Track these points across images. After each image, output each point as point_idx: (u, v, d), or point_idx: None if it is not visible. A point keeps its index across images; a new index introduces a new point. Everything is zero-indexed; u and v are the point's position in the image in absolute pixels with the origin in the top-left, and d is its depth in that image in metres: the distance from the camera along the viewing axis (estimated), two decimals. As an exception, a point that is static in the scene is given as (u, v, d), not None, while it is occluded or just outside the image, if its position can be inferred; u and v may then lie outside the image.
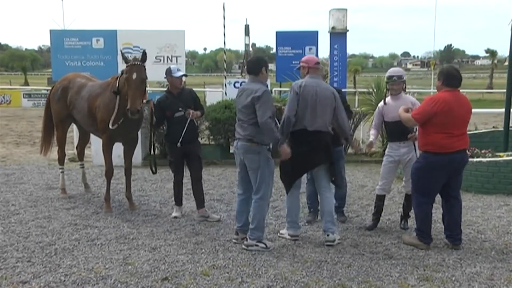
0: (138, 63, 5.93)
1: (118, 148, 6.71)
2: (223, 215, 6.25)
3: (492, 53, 56.84)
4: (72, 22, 55.72)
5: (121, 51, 6.58)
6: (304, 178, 5.87)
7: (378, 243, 5.24)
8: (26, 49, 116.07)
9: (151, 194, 7.38)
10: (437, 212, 5.53)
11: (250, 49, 31.45)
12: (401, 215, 5.83)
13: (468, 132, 9.18)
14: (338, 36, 15.58)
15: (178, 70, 6.09)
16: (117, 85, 6.12)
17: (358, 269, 4.53)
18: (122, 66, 6.80)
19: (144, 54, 6.00)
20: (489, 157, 7.53)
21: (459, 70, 5.18)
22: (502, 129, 8.64)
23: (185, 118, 5.90)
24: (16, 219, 6.04)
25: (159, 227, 5.77)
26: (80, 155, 7.80)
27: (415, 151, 5.40)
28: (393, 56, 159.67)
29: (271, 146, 5.09)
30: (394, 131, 5.44)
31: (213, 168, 9.32)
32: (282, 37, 15.24)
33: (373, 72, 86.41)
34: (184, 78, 6.25)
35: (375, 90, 10.31)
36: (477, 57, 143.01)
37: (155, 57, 12.34)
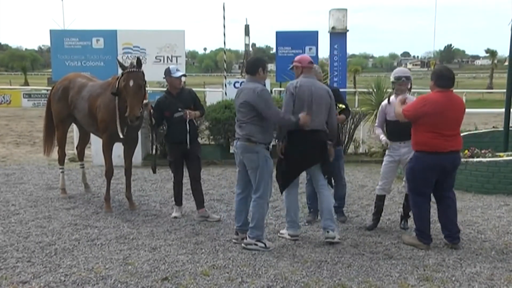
0: (135, 69, 5.93)
1: (118, 148, 6.71)
2: (223, 215, 6.25)
3: (492, 53, 56.82)
4: (72, 22, 55.88)
5: (117, 60, 6.59)
6: (304, 178, 5.88)
7: (378, 243, 5.24)
8: (26, 49, 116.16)
9: (151, 194, 7.38)
10: (436, 212, 5.52)
11: (250, 49, 31.47)
12: (401, 215, 5.83)
13: (468, 132, 9.35)
14: (338, 36, 15.59)
15: (177, 70, 6.08)
16: (116, 86, 6.13)
17: (358, 269, 4.53)
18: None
19: (138, 60, 6.01)
20: (489, 157, 7.53)
21: (452, 70, 5.18)
22: (502, 129, 8.64)
23: (185, 119, 5.91)
24: (16, 219, 6.04)
25: (159, 227, 5.77)
26: (80, 155, 7.80)
27: None
28: (393, 56, 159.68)
29: (270, 146, 5.11)
30: (395, 130, 5.44)
31: (213, 168, 9.32)
32: (282, 37, 15.25)
33: (373, 72, 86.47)
34: (183, 78, 6.25)
35: (375, 90, 10.31)
36: (477, 57, 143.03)
37: (155, 57, 12.36)
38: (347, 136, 9.97)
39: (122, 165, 6.81)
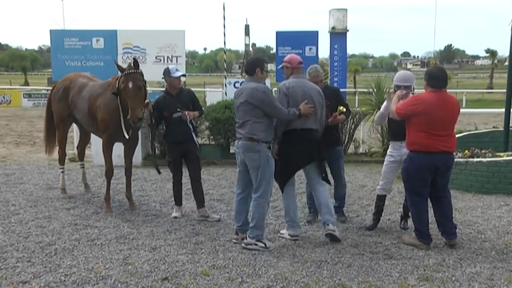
0: (133, 71, 5.93)
1: (118, 148, 6.71)
2: (223, 215, 6.25)
3: (492, 53, 56.84)
4: (72, 22, 55.91)
5: (115, 61, 6.59)
6: (304, 178, 5.88)
7: (378, 243, 5.24)
8: (26, 49, 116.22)
9: (151, 194, 7.38)
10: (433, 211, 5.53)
11: (250, 49, 31.47)
12: (401, 215, 5.83)
13: (468, 132, 9.35)
14: (338, 36, 15.59)
15: (177, 70, 6.09)
16: (116, 85, 6.13)
17: (358, 269, 4.53)
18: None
19: (135, 61, 6.00)
20: (489, 157, 7.53)
21: (445, 71, 5.19)
22: (502, 129, 8.63)
23: (184, 119, 5.91)
24: (16, 219, 6.04)
25: (159, 227, 5.77)
26: (81, 155, 7.80)
27: None
28: (393, 56, 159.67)
29: (271, 145, 5.12)
30: (396, 130, 5.43)
31: (213, 168, 9.32)
32: (282, 37, 15.24)
33: (373, 72, 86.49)
34: (183, 78, 6.24)
35: (375, 90, 10.31)
36: (477, 57, 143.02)
37: (155, 57, 12.35)
38: (347, 136, 9.97)
39: (122, 165, 6.82)
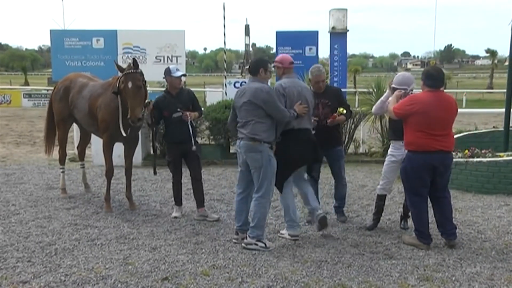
0: (133, 71, 5.93)
1: (118, 148, 6.71)
2: (223, 215, 6.25)
3: (492, 53, 56.85)
4: (72, 22, 55.87)
5: (115, 62, 6.60)
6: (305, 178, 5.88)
7: (378, 243, 5.24)
8: (26, 49, 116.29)
9: (151, 194, 7.39)
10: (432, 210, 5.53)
11: (250, 49, 31.46)
12: (401, 215, 5.83)
13: (468, 132, 9.34)
14: (338, 36, 15.59)
15: (177, 70, 6.09)
16: (117, 85, 6.13)
17: (358, 269, 4.53)
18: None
19: (134, 61, 6.01)
20: (489, 157, 7.52)
21: (441, 70, 5.19)
22: (502, 129, 8.63)
23: (185, 120, 5.91)
24: (16, 219, 6.04)
25: (159, 227, 5.77)
26: (81, 155, 7.81)
27: None
28: (393, 56, 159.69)
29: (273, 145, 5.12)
30: (397, 129, 5.43)
31: (213, 168, 9.32)
32: (282, 37, 15.23)
33: (373, 72, 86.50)
34: (183, 78, 6.25)
35: (375, 90, 10.30)
36: (477, 57, 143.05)
37: (155, 57, 12.35)
38: (347, 136, 9.97)
39: (122, 165, 6.82)
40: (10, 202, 6.82)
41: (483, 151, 7.72)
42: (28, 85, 44.50)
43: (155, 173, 6.51)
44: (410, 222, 5.65)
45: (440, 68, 5.39)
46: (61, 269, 4.52)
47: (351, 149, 10.33)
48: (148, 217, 6.16)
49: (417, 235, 5.12)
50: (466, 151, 7.78)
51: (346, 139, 9.95)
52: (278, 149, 5.17)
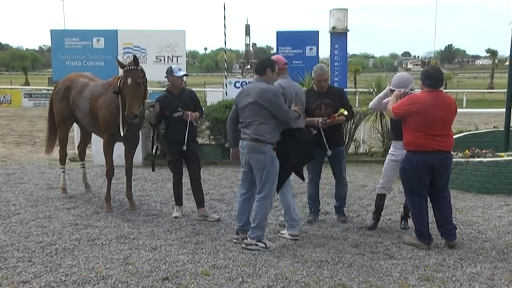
0: (133, 67, 5.93)
1: (118, 148, 6.71)
2: (224, 215, 6.25)
3: (492, 53, 56.87)
4: (73, 22, 55.85)
5: (116, 58, 6.61)
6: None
7: (379, 243, 5.24)
8: (26, 49, 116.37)
9: (152, 194, 7.39)
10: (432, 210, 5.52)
11: (251, 49, 31.47)
12: (401, 215, 5.82)
13: (469, 132, 9.34)
14: (339, 36, 15.57)
15: (180, 69, 6.10)
16: (118, 85, 6.14)
17: (358, 269, 4.52)
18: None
19: (135, 58, 6.02)
20: (490, 157, 7.52)
21: (440, 71, 5.18)
22: (503, 129, 8.63)
23: (185, 120, 5.91)
24: (17, 219, 6.04)
25: (159, 227, 5.77)
26: (81, 155, 7.81)
27: None
28: (393, 56, 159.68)
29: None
30: (398, 129, 5.43)
31: (214, 168, 9.32)
32: (283, 37, 15.21)
33: (373, 72, 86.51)
34: (184, 78, 6.26)
35: (375, 90, 10.30)
36: (477, 57, 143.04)
37: (156, 57, 12.34)
38: (347, 136, 9.97)
39: (123, 165, 6.82)
40: (10, 202, 6.82)
41: (483, 151, 7.72)
42: (28, 85, 44.52)
43: (153, 169, 6.50)
44: (410, 222, 5.65)
45: (439, 68, 5.39)
46: (61, 269, 4.52)
47: (351, 149, 10.33)
48: (148, 217, 6.16)
49: (417, 235, 5.12)
50: (467, 151, 7.78)
51: (347, 139, 9.95)
52: (278, 150, 5.17)
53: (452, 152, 5.24)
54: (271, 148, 4.98)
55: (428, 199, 5.15)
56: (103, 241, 5.24)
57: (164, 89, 7.18)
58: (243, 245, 5.05)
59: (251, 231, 5.04)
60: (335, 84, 15.29)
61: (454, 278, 4.33)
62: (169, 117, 5.99)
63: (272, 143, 4.99)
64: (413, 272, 4.46)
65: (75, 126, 8.63)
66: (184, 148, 5.95)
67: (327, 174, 6.39)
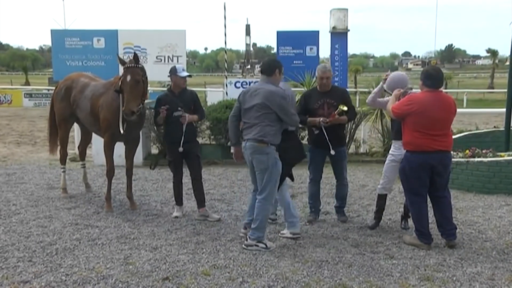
0: (133, 65, 5.94)
1: (118, 148, 6.71)
2: (224, 214, 6.25)
3: (493, 53, 56.86)
4: (73, 22, 55.82)
5: (117, 55, 6.62)
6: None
7: (379, 243, 5.24)
8: (27, 49, 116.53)
9: (152, 193, 7.39)
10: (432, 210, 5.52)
11: (251, 49, 31.45)
12: (402, 215, 5.82)
13: (469, 132, 9.33)
14: (339, 36, 15.56)
15: (183, 70, 6.13)
16: (119, 84, 6.14)
17: (359, 269, 4.52)
18: (123, 66, 6.80)
19: (135, 55, 6.03)
20: (490, 157, 7.52)
21: (441, 71, 5.19)
22: (503, 129, 8.63)
23: (182, 122, 5.90)
24: (17, 219, 6.04)
25: (160, 227, 5.77)
26: (82, 154, 7.81)
27: None
28: (394, 56, 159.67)
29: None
30: (399, 129, 5.43)
31: (214, 167, 9.32)
32: (283, 37, 15.19)
33: (374, 72, 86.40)
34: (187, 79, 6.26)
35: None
36: (478, 57, 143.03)
37: (156, 57, 12.33)
38: (348, 136, 9.97)
39: (123, 165, 6.81)
40: (11, 202, 6.82)
41: (484, 151, 7.72)
42: (29, 85, 44.54)
43: (152, 168, 6.48)
44: (410, 222, 5.64)
45: (439, 68, 5.39)
46: (62, 268, 4.52)
47: (352, 149, 10.33)
48: (149, 217, 6.17)
49: (417, 235, 5.11)
50: (467, 151, 7.78)
51: (347, 139, 9.94)
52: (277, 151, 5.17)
53: (451, 151, 5.23)
54: (274, 149, 4.98)
55: (428, 199, 5.16)
56: (103, 241, 5.24)
57: (165, 88, 7.17)
58: (243, 245, 5.04)
59: (251, 232, 5.04)
60: (335, 84, 15.28)
61: (454, 278, 4.33)
62: (169, 115, 5.99)
63: (274, 144, 4.99)
64: (413, 272, 4.46)
65: (75, 126, 8.63)
66: (180, 149, 5.95)
67: (327, 174, 6.39)
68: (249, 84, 11.35)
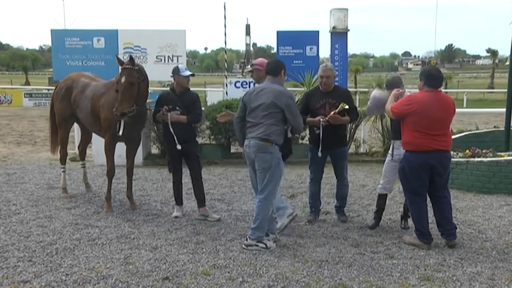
0: (129, 66, 5.94)
1: (118, 148, 6.71)
2: (224, 214, 6.25)
3: (493, 53, 56.85)
4: (73, 22, 55.81)
5: (116, 56, 6.62)
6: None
7: (379, 243, 5.24)
8: (27, 48, 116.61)
9: (152, 193, 7.39)
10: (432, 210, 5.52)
11: (251, 48, 31.46)
12: (402, 215, 5.83)
13: (469, 132, 9.33)
14: (339, 36, 15.56)
15: (186, 69, 6.11)
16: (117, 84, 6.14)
17: (359, 269, 4.52)
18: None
19: (131, 58, 6.03)
20: (490, 157, 7.52)
21: (440, 71, 5.20)
22: (503, 128, 8.63)
23: (166, 121, 5.89)
24: (17, 219, 6.04)
25: (160, 226, 5.77)
26: (82, 154, 7.81)
27: None
28: (394, 56, 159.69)
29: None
30: (398, 129, 5.42)
31: (214, 167, 9.32)
32: (283, 37, 15.20)
33: (374, 72, 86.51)
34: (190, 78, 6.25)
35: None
36: (478, 57, 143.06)
37: (156, 57, 12.33)
38: (348, 136, 9.97)
39: (123, 165, 6.81)
40: (11, 202, 6.82)
41: (484, 151, 7.72)
42: (29, 84, 44.53)
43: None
44: (410, 222, 5.65)
45: (439, 68, 5.39)
46: (62, 268, 4.52)
47: (352, 149, 10.32)
48: (149, 217, 6.17)
49: (417, 235, 5.12)
50: (467, 151, 7.78)
51: (347, 139, 9.95)
52: None
53: (451, 151, 5.24)
54: (278, 149, 4.98)
55: (428, 198, 5.16)
56: (103, 241, 5.25)
57: (164, 88, 7.16)
58: (243, 245, 5.04)
59: (251, 232, 5.03)
60: (336, 84, 15.27)
61: (454, 278, 4.33)
62: (167, 114, 5.97)
63: (278, 144, 5.00)
64: (413, 272, 4.46)
65: (75, 126, 8.64)
66: (179, 147, 5.93)
67: (327, 174, 6.38)
68: (249, 84, 11.36)
